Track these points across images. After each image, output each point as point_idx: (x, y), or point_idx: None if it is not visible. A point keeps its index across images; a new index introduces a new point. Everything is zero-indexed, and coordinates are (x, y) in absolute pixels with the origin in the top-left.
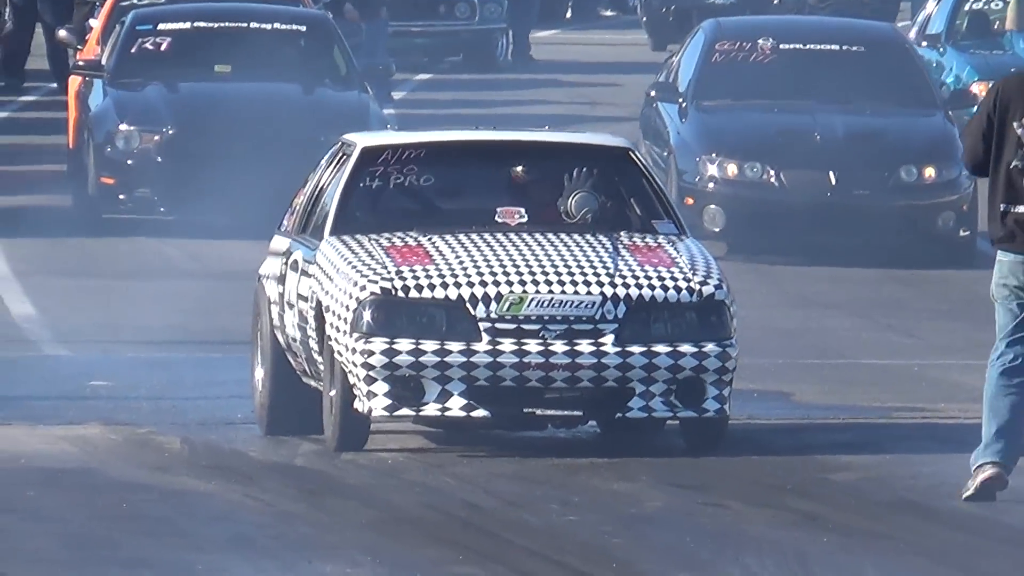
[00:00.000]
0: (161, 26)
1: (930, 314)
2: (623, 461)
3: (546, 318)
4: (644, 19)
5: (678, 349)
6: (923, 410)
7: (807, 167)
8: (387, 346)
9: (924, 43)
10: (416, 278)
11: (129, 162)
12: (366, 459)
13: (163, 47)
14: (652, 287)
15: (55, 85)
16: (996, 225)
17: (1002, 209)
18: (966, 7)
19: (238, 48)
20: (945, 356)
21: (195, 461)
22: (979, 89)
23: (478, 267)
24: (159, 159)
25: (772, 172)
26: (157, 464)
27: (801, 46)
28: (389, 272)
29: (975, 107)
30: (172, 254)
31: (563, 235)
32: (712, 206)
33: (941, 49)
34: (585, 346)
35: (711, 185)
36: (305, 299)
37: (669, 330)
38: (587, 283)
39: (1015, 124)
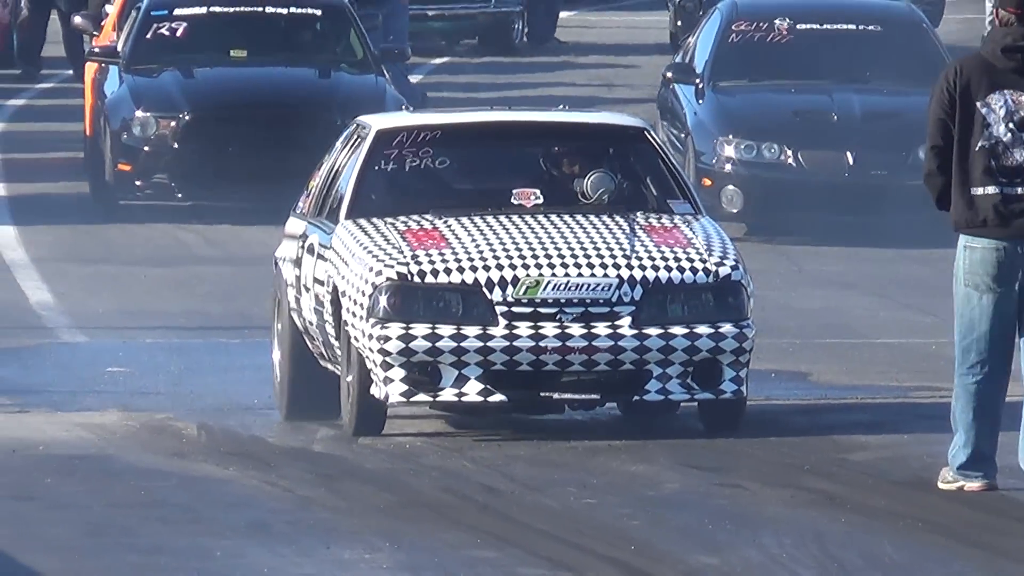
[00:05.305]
0: (176, 11)
1: (947, 293)
2: (641, 443)
3: (563, 301)
4: (678, 23)
5: (695, 331)
6: (940, 389)
7: (824, 147)
8: (403, 331)
9: None
10: (432, 263)
11: (146, 148)
12: (383, 444)
13: (179, 32)
14: (668, 269)
15: (71, 72)
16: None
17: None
18: None
19: (254, 32)
20: None
21: (213, 447)
22: None
23: (494, 251)
24: (175, 145)
25: (790, 152)
26: (175, 450)
27: (818, 26)
28: (405, 257)
29: None
30: (189, 240)
31: (579, 217)
32: (730, 187)
33: None
34: (602, 329)
35: (728, 166)
36: (321, 283)
37: (686, 312)
38: (603, 266)
39: (978, 103)
